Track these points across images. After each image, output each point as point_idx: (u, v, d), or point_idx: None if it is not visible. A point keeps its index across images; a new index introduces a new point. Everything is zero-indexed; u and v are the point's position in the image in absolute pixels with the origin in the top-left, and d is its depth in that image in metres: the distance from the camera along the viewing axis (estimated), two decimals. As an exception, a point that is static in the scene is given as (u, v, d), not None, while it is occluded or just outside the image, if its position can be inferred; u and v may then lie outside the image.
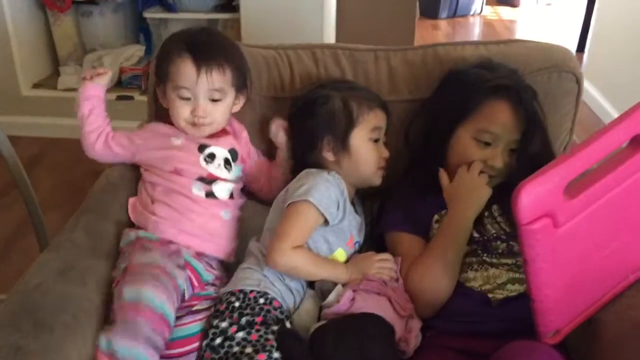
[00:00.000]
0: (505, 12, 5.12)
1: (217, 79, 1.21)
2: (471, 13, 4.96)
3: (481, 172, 1.19)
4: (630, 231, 1.01)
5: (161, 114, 1.31)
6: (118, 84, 2.90)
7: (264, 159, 1.36)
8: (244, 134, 1.34)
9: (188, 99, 1.22)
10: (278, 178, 1.31)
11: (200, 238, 1.20)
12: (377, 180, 1.26)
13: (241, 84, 1.27)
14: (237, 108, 1.30)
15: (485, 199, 1.18)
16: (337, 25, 2.77)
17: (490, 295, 1.13)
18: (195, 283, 1.17)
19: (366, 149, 1.23)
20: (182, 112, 1.23)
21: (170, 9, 2.80)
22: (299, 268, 1.13)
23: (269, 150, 1.36)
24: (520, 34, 4.61)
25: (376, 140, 1.25)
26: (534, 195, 0.87)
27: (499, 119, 1.18)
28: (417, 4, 2.95)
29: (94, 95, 1.29)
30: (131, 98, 2.84)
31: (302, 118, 1.26)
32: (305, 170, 1.22)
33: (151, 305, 1.02)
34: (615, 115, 2.95)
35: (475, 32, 4.74)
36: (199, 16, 2.77)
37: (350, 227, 1.22)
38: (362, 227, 1.27)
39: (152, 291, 1.03)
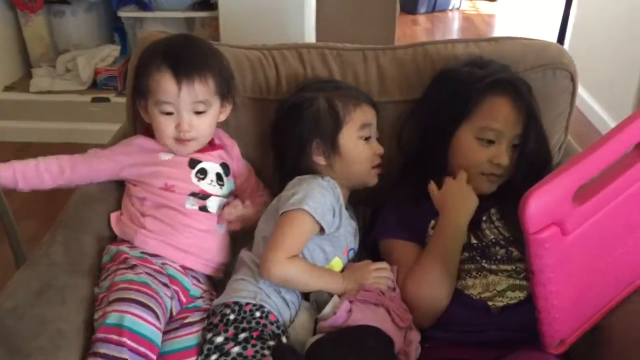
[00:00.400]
0: (483, 6, 5.10)
1: (200, 91, 1.14)
2: (450, 8, 4.93)
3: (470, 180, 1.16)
4: (635, 237, 0.97)
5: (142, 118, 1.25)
6: (93, 85, 2.81)
7: (256, 179, 1.32)
8: (236, 150, 1.28)
9: (171, 113, 1.15)
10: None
11: (189, 253, 1.15)
12: (372, 180, 1.22)
13: (225, 91, 1.20)
14: (223, 117, 1.24)
15: (474, 208, 1.14)
16: (317, 23, 2.71)
17: (490, 303, 1.09)
18: (183, 299, 1.12)
19: (357, 148, 1.19)
20: (165, 128, 1.16)
21: (145, 7, 2.72)
22: (294, 279, 1.08)
23: (255, 156, 1.31)
24: (499, 28, 4.60)
25: (367, 138, 1.20)
26: (543, 203, 0.82)
27: (500, 115, 1.14)
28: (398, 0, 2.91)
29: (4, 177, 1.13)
30: (107, 100, 2.75)
31: (288, 124, 1.21)
32: (297, 178, 1.17)
33: (135, 330, 0.97)
34: (596, 108, 2.98)
35: (455, 26, 4.72)
36: (176, 14, 2.69)
37: (346, 234, 1.17)
38: (357, 233, 1.22)
39: (135, 318, 0.97)
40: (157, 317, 1.00)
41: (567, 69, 1.25)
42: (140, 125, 1.28)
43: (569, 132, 1.32)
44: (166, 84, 1.13)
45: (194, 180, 1.18)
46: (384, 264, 1.15)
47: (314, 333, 1.07)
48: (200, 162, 1.20)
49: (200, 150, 1.21)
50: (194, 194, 1.17)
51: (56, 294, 0.98)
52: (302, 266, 1.09)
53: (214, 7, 2.58)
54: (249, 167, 1.31)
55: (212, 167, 1.21)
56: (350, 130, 1.18)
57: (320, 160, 1.19)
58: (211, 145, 1.23)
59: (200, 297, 1.14)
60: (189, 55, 1.16)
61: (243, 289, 1.08)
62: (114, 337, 0.95)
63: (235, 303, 1.06)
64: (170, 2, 2.69)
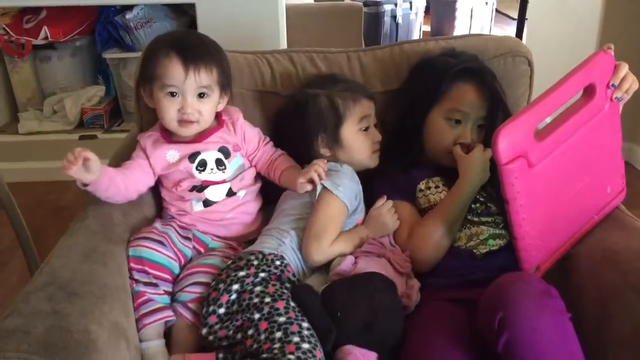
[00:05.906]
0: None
1: (205, 77, 1.26)
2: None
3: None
4: (591, 174, 1.16)
5: (150, 121, 1.39)
6: (80, 124, 2.96)
7: (267, 141, 1.41)
8: (239, 121, 1.37)
9: (175, 94, 1.25)
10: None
11: (215, 230, 1.33)
12: (373, 163, 1.37)
13: (225, 84, 1.32)
14: (221, 106, 1.35)
15: (486, 179, 1.29)
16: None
17: (474, 251, 1.26)
18: (202, 250, 1.29)
19: (358, 140, 1.34)
20: (169, 109, 1.26)
21: (128, 48, 2.88)
22: (335, 256, 1.23)
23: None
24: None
25: (366, 128, 1.35)
26: (510, 137, 1.00)
27: (466, 98, 1.32)
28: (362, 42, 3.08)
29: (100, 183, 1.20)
30: (95, 137, 2.90)
31: (295, 120, 1.36)
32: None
33: (151, 259, 1.18)
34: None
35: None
36: (159, 53, 2.85)
37: (362, 212, 1.32)
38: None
39: (151, 251, 1.19)
40: (167, 252, 1.21)
41: (525, 56, 1.46)
42: (145, 113, 1.41)
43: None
44: (173, 69, 1.23)
45: (195, 173, 1.30)
46: (389, 203, 1.32)
47: (326, 289, 1.22)
48: (199, 153, 1.30)
49: (199, 139, 1.31)
50: (194, 188, 1.30)
51: (99, 257, 1.10)
52: (340, 244, 1.23)
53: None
54: (257, 133, 1.40)
55: (211, 155, 1.31)
56: (350, 124, 1.33)
57: (325, 152, 1.34)
58: (211, 129, 1.33)
59: (220, 250, 1.30)
60: (195, 44, 1.28)
61: (267, 242, 1.24)
62: (138, 266, 1.17)
63: (260, 252, 1.20)
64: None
